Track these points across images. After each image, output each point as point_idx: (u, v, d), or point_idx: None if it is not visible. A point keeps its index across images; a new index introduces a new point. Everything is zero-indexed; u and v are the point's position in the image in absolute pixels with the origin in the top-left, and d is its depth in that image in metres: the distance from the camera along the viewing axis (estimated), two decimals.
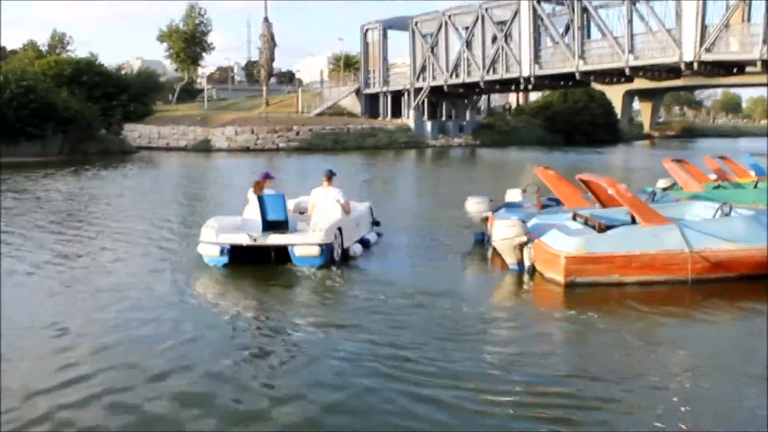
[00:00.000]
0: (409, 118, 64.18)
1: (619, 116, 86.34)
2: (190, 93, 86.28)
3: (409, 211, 19.92)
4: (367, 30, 68.55)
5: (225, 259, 11.17)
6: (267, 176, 12.37)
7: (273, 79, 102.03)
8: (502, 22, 57.67)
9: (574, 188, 12.64)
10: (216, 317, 8.72)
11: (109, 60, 79.76)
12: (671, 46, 46.40)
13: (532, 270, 10.35)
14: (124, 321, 8.47)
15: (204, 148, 57.59)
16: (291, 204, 12.98)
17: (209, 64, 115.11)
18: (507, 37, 57.13)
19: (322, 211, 12.29)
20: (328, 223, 11.52)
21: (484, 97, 76.37)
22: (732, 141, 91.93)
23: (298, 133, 58.90)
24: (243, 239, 11.17)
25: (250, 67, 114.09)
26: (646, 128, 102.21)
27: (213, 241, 11.22)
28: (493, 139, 65.50)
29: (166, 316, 8.68)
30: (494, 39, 58.14)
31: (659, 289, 9.68)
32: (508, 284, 10.35)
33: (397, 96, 66.37)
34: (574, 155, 52.12)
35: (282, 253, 11.21)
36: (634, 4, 49.30)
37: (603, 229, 10.07)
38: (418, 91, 63.76)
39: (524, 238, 10.25)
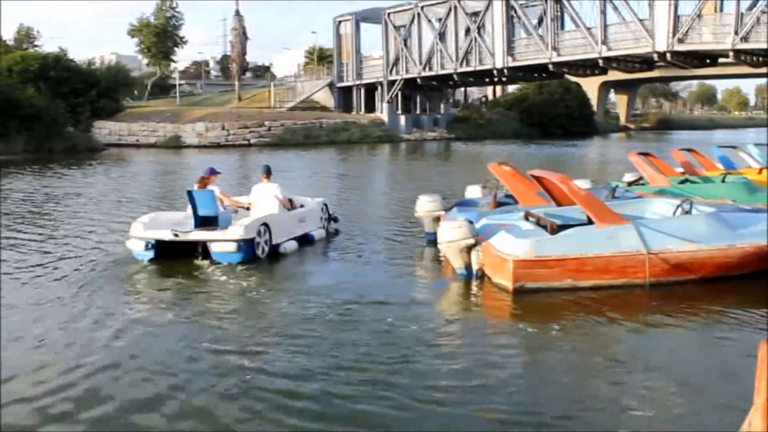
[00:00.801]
0: (382, 112, 63.39)
1: (594, 108, 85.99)
2: (163, 88, 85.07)
3: (370, 207, 19.27)
4: (340, 22, 67.65)
5: (151, 254, 11.27)
6: (212, 172, 12.34)
7: (249, 74, 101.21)
8: (476, 14, 57.04)
9: (531, 185, 11.89)
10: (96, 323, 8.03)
11: (83, 55, 78.00)
12: (644, 37, 46.03)
13: (481, 275, 9.62)
14: None
15: (174, 144, 56.55)
16: (246, 199, 12.98)
17: (185, 59, 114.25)
18: (480, 28, 56.49)
19: (260, 206, 12.38)
20: (250, 219, 11.53)
21: (462, 90, 75.95)
22: (708, 133, 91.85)
23: (269, 129, 57.90)
24: (165, 234, 11.28)
25: (225, 62, 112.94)
26: (622, 120, 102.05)
27: (139, 236, 11.35)
28: (468, 133, 64.87)
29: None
30: (467, 31, 57.48)
31: (615, 293, 9.00)
32: (454, 291, 9.59)
33: (371, 89, 65.58)
34: (550, 148, 51.74)
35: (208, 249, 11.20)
36: None
37: (555, 229, 9.37)
38: (391, 84, 63.02)
39: (471, 241, 9.51)
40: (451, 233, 9.52)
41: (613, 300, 8.85)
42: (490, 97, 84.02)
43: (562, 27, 53.06)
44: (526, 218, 10.24)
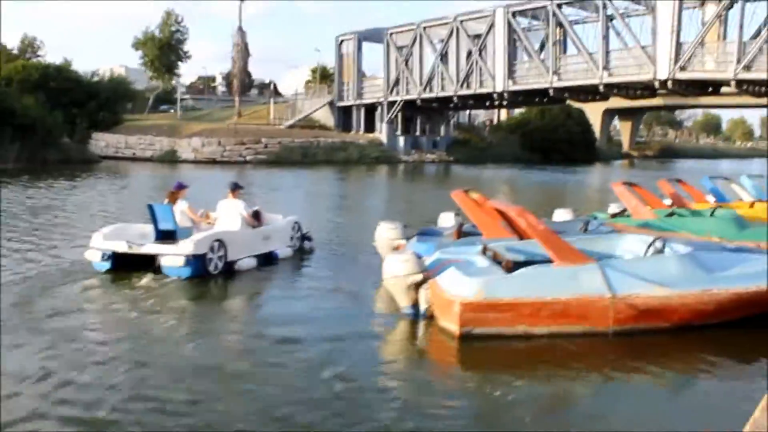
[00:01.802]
0: (381, 133, 62.65)
1: (597, 135, 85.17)
2: (168, 102, 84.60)
3: (349, 230, 18.41)
4: (342, 41, 67.12)
5: (107, 265, 11.37)
6: (180, 186, 12.53)
7: (254, 90, 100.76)
8: (477, 36, 56.40)
9: (497, 215, 10.96)
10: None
11: (96, 67, 77.48)
12: (646, 63, 45.26)
13: (430, 315, 8.67)
14: None
15: (169, 159, 56.02)
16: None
17: (192, 73, 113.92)
18: (481, 51, 55.81)
19: (223, 222, 12.44)
20: (202, 234, 11.53)
21: (466, 112, 75.25)
22: (712, 162, 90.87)
23: (266, 146, 57.29)
24: (121, 246, 11.36)
25: (230, 78, 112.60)
26: (625, 147, 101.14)
27: (97, 246, 11.47)
28: (468, 156, 64.07)
29: None
30: (469, 53, 56.83)
31: (574, 342, 8.06)
32: (394, 334, 8.59)
33: (371, 110, 64.90)
34: (548, 174, 50.92)
35: None
36: (611, 21, 48.19)
37: (511, 268, 8.45)
38: (391, 104, 62.32)
39: (419, 277, 8.58)
40: (396, 268, 8.60)
41: (572, 350, 7.93)
42: (496, 121, 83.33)
43: (564, 51, 52.40)
44: (484, 252, 9.32)
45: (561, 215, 14.80)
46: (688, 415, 6.41)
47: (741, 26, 41.31)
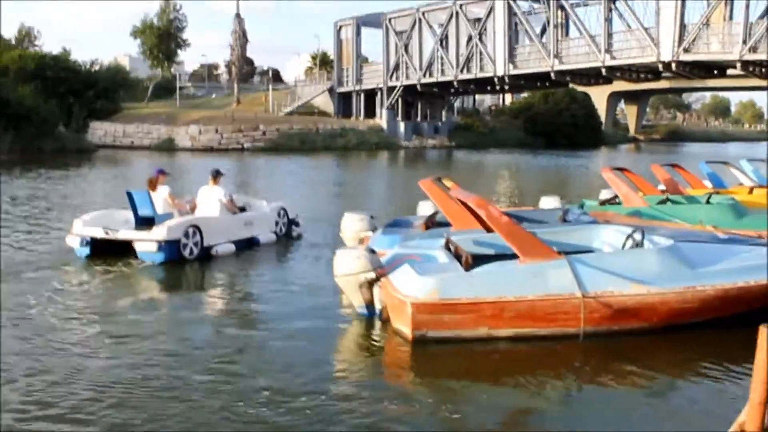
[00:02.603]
0: (381, 119, 61.77)
1: (602, 119, 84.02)
2: (169, 91, 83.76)
3: (336, 218, 17.67)
4: (340, 27, 66.23)
5: (87, 250, 11.58)
6: (161, 172, 12.75)
7: (256, 78, 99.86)
8: (478, 20, 55.38)
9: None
10: None
11: (100, 57, 77.30)
12: (649, 46, 44.20)
13: (386, 317, 7.89)
14: None
15: (167, 147, 55.44)
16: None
17: (195, 61, 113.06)
18: (481, 35, 54.80)
19: (203, 209, 12.59)
20: (176, 220, 11.70)
21: (471, 97, 74.28)
22: (721, 146, 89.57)
23: (264, 133, 56.56)
24: (98, 232, 11.58)
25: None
26: (632, 131, 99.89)
27: (76, 232, 11.69)
28: (470, 141, 63.17)
29: None
30: (469, 37, 55.82)
31: (542, 346, 7.30)
32: (347, 337, 7.86)
33: (371, 95, 64.02)
34: (551, 159, 50.05)
35: None
36: (614, 2, 47.09)
37: (471, 264, 7.66)
38: (391, 90, 61.42)
39: (372, 274, 7.81)
40: (347, 264, 7.82)
41: (539, 355, 7.18)
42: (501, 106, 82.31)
43: (566, 34, 51.35)
44: (447, 247, 8.52)
45: (548, 202, 13.99)
46: (666, 422, 5.72)
47: (747, 6, 40.22)
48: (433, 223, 10.62)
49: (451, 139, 63.67)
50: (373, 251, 8.02)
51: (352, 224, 10.92)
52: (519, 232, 7.63)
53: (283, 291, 9.88)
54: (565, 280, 7.35)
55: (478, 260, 7.94)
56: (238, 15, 69.76)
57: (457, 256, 8.11)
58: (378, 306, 7.93)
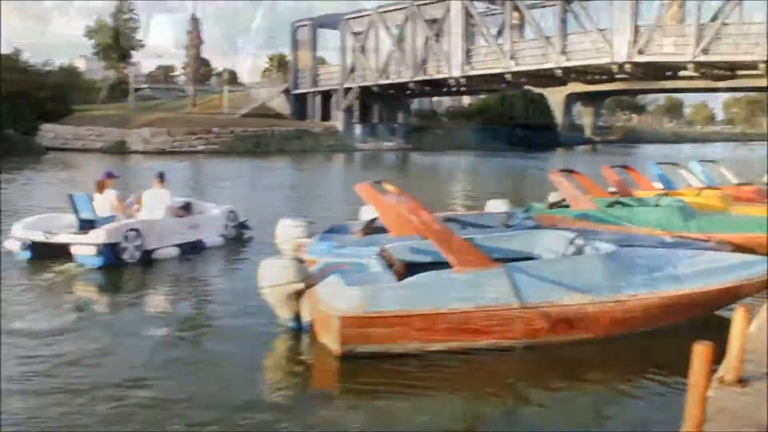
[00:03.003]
0: (337, 121, 61.19)
1: (559, 120, 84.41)
2: (124, 92, 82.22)
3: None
4: (297, 27, 65.45)
5: (27, 254, 11.44)
6: (109, 175, 12.73)
7: (214, 79, 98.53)
8: (435, 21, 55.09)
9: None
10: None
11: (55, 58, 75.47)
12: (604, 47, 44.27)
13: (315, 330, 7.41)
14: None
15: (119, 150, 54.15)
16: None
17: (151, 62, 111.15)
18: (438, 36, 54.52)
19: (147, 212, 12.45)
20: (116, 224, 11.57)
21: (427, 99, 74.05)
22: (674, 147, 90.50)
23: (218, 136, 55.60)
24: (38, 236, 11.44)
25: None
26: (588, 133, 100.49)
27: (16, 236, 11.59)
28: (427, 143, 62.83)
29: None
30: (426, 39, 55.52)
31: (478, 359, 6.89)
32: (274, 354, 7.37)
33: (327, 97, 63.40)
34: (508, 160, 49.88)
35: None
36: (569, 4, 47.15)
37: (403, 274, 7.22)
38: (347, 92, 60.87)
39: (300, 285, 7.33)
40: (272, 275, 7.34)
41: (474, 369, 6.77)
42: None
43: (522, 36, 51.33)
44: (382, 255, 8.07)
45: (495, 206, 13.61)
46: None
47: (699, 8, 40.53)
48: (372, 229, 10.16)
49: (407, 142, 63.28)
50: (301, 260, 7.55)
51: (287, 231, 10.41)
52: (452, 239, 7.21)
53: (215, 300, 9.42)
54: (502, 290, 6.96)
55: (415, 269, 7.53)
56: (194, 16, 68.83)
57: (391, 265, 7.67)
58: (306, 318, 7.46)
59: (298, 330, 7.52)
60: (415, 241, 8.46)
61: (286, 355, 7.29)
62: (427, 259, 8.06)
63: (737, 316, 4.96)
